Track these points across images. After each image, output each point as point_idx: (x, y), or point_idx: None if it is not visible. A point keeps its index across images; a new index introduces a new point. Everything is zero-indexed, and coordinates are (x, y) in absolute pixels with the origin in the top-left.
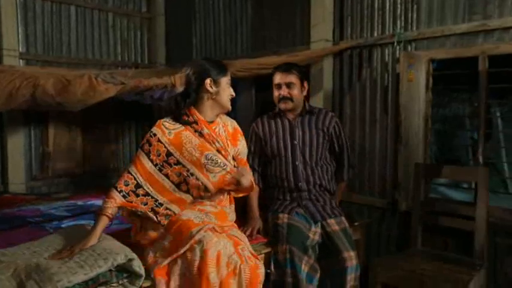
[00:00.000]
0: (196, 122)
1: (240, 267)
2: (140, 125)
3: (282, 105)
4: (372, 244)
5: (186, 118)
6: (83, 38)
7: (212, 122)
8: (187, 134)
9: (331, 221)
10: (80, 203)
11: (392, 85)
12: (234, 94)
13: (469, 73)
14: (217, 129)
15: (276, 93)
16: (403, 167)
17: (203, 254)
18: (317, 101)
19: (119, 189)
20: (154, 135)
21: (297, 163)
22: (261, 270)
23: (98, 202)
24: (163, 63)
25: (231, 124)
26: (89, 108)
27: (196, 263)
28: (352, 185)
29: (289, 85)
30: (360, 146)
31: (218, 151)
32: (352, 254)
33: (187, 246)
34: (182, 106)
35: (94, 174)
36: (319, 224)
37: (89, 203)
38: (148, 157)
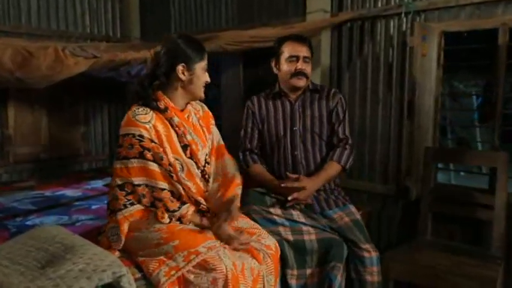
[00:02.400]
0: (166, 109)
1: (263, 271)
2: (113, 105)
3: (297, 82)
4: (372, 233)
5: (155, 104)
6: (46, 5)
7: (183, 110)
8: (160, 126)
9: (339, 214)
10: (47, 193)
11: (398, 61)
12: (209, 80)
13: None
14: (190, 118)
15: (290, 66)
16: (414, 150)
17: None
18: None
19: (171, 210)
20: (142, 136)
21: (296, 153)
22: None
23: (69, 192)
24: (137, 37)
25: (202, 108)
26: (55, 85)
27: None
28: (350, 170)
29: (305, 59)
30: (359, 127)
31: (187, 145)
32: (369, 246)
33: (194, 261)
34: (149, 91)
35: (62, 160)
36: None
37: (58, 193)
38: (159, 165)
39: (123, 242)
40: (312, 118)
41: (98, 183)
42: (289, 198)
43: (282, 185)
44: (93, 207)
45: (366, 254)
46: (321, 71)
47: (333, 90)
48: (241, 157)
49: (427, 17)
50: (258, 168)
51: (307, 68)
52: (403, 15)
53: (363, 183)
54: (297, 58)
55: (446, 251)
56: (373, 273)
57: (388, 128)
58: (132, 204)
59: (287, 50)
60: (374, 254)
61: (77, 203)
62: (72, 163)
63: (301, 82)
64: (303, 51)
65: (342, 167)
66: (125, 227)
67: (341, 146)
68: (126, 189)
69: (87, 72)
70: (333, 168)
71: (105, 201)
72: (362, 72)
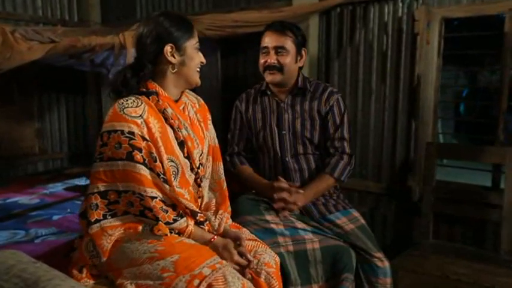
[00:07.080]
0: (158, 96)
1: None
2: (72, 97)
3: (269, 77)
4: None
5: (145, 91)
6: None
7: (178, 100)
8: (154, 121)
9: (343, 219)
10: None
11: (393, 50)
12: (204, 60)
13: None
14: (186, 111)
15: (261, 59)
16: (418, 146)
17: None
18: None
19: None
20: (132, 134)
21: (287, 159)
22: (277, 261)
23: (23, 199)
24: (98, 22)
25: (198, 101)
26: (2, 74)
27: None
28: None
29: (279, 50)
30: (350, 121)
31: (183, 142)
32: (380, 254)
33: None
34: (134, 83)
35: (13, 160)
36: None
37: (9, 201)
38: (150, 169)
39: (103, 258)
40: (302, 121)
41: (57, 187)
42: (275, 196)
43: (275, 184)
44: (55, 217)
45: (378, 263)
46: (309, 60)
47: (329, 89)
48: (227, 159)
49: (426, 2)
50: (246, 170)
51: (282, 60)
52: (399, 0)
53: (353, 181)
54: (267, 50)
55: (456, 256)
56: (386, 286)
57: (382, 122)
58: (114, 215)
59: (262, 41)
60: (387, 264)
61: (34, 213)
62: (25, 164)
63: (274, 77)
64: (275, 41)
65: (335, 179)
66: (104, 242)
67: (336, 155)
68: (109, 197)
69: (43, 60)
70: (323, 181)
71: (68, 210)
72: (353, 62)
